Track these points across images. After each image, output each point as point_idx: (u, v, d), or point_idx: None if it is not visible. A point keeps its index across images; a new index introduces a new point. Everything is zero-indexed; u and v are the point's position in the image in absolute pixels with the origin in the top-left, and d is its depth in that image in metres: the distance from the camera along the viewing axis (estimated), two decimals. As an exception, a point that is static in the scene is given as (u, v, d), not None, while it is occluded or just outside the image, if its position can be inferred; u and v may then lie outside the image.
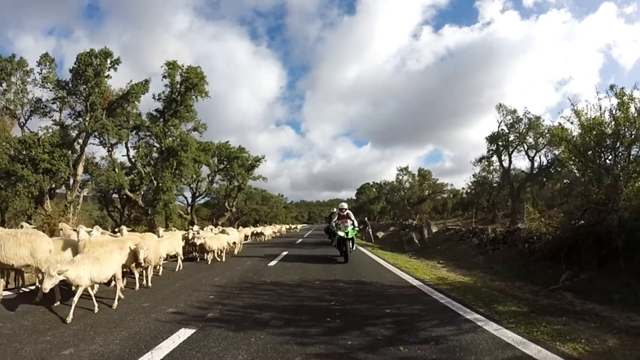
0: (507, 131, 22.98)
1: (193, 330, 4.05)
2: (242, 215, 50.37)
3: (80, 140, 18.26)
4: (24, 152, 15.53)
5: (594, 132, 8.06)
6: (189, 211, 31.64)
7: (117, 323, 4.35)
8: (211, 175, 32.12)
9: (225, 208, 34.69)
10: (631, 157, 7.82)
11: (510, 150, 24.08)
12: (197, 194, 32.25)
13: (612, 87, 7.81)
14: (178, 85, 20.36)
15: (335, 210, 13.43)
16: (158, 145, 21.12)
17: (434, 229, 18.28)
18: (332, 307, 5.32)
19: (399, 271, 9.06)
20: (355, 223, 11.61)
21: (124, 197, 24.09)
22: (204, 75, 20.97)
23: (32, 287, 6.10)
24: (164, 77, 20.27)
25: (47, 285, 4.26)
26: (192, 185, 30.33)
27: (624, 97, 7.74)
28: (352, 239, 11.35)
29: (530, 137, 23.19)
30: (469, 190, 37.63)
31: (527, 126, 22.43)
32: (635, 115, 7.55)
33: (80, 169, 17.55)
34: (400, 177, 38.91)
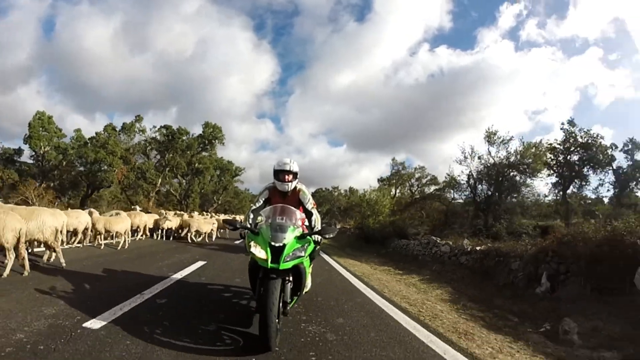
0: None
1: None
2: (218, 205, 65.35)
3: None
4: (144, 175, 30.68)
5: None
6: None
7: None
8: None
9: (213, 200, 49.60)
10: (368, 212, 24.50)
11: (396, 186, 40.68)
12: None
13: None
14: (208, 135, 35.58)
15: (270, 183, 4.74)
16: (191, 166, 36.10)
17: (338, 226, 34.46)
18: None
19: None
20: (318, 221, 4.47)
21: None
22: (223, 132, 36.89)
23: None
24: (203, 130, 35.48)
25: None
26: (195, 185, 45.29)
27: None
28: (298, 269, 3.74)
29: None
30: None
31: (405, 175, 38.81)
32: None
33: (159, 180, 32.61)
34: (334, 193, 56.36)
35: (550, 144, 28.16)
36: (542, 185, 28.90)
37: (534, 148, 21.79)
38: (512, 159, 21.42)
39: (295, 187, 4.64)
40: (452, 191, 25.02)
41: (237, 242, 16.07)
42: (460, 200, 26.05)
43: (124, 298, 4.82)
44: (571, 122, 28.53)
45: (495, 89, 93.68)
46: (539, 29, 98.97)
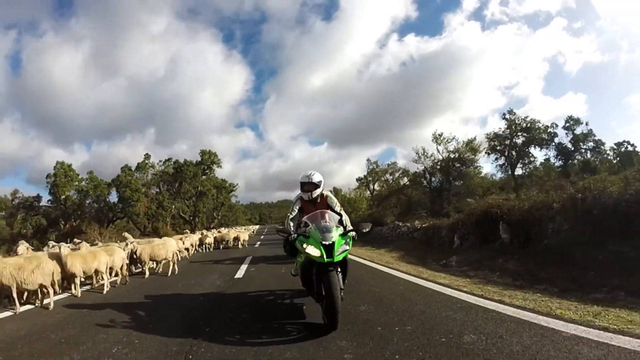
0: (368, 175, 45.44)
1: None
2: (218, 220, 70.45)
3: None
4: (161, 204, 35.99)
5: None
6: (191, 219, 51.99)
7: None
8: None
9: (213, 216, 54.81)
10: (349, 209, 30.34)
11: (374, 182, 46.66)
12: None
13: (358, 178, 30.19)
14: (206, 160, 41.19)
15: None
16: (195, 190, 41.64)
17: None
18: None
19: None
20: (347, 220, 5.04)
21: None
22: (219, 158, 42.83)
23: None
24: (201, 158, 41.02)
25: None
26: (198, 204, 50.63)
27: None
28: (344, 259, 4.54)
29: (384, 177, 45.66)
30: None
31: (379, 172, 44.74)
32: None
33: (173, 207, 38.10)
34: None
35: (495, 133, 34.41)
36: (492, 168, 35.27)
37: (470, 144, 27.93)
38: (453, 156, 27.53)
39: (322, 194, 5.31)
40: (421, 181, 30.87)
41: (256, 245, 21.54)
42: (424, 190, 31.99)
43: (235, 269, 10.56)
44: (511, 112, 34.85)
45: (467, 69, 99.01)
46: (502, 7, 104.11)
